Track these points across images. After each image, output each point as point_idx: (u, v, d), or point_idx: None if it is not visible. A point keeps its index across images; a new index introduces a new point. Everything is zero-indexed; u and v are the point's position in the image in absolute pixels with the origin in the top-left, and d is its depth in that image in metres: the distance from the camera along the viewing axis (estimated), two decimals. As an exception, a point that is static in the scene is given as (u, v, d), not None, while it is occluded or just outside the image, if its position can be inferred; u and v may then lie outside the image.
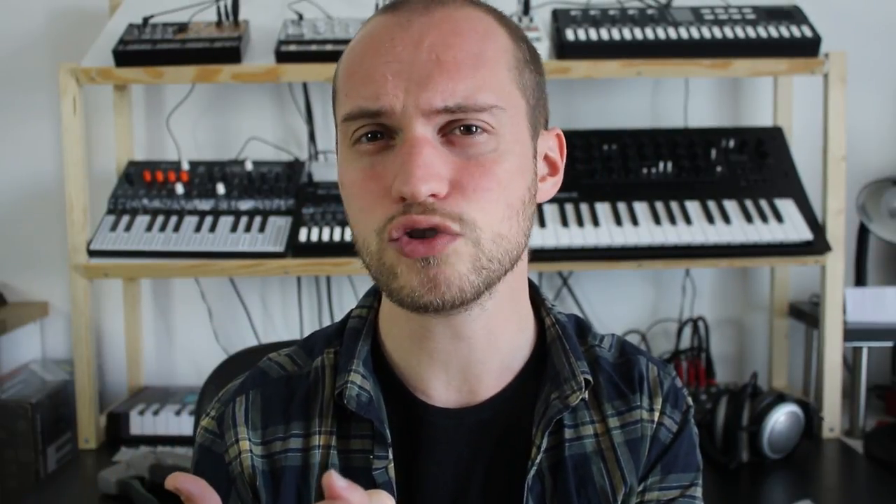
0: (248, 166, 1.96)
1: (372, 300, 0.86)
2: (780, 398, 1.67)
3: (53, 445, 1.87)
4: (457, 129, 0.72)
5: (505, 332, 0.80)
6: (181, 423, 1.84)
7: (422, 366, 0.80)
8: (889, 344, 1.86)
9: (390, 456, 0.78)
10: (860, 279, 2.04)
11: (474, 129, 0.72)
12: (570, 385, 0.79)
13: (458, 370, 0.80)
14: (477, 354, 0.79)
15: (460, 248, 0.71)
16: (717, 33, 1.82)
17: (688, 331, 2.06)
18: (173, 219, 1.86)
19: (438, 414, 0.80)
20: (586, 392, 0.80)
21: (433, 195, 0.70)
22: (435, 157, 0.70)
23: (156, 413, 1.86)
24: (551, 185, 0.82)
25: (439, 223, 0.70)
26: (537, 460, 0.78)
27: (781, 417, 1.65)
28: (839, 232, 1.81)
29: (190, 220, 1.86)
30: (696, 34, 1.82)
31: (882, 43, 2.10)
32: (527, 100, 0.76)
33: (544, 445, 0.78)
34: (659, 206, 1.84)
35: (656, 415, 0.83)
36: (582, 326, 0.88)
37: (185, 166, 1.95)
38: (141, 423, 1.85)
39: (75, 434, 1.87)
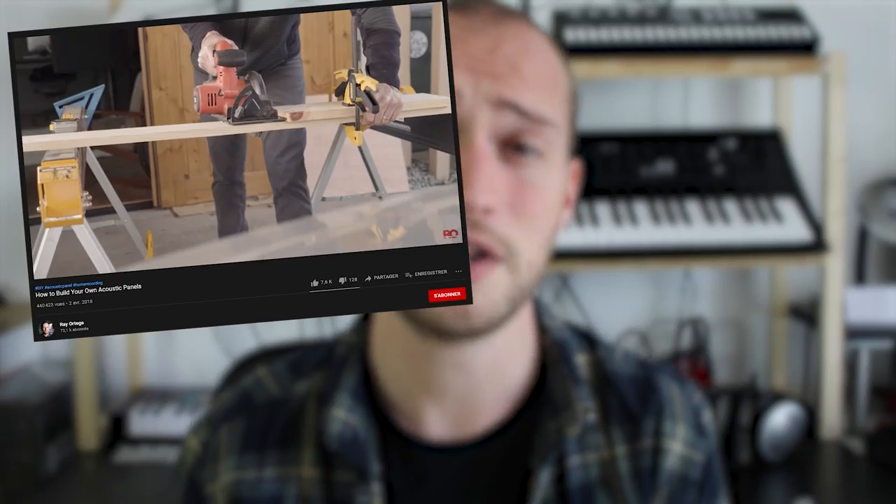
0: (248, 166, 1.95)
1: (363, 322, 0.82)
2: (780, 399, 1.67)
3: (53, 446, 1.87)
4: (510, 147, 0.68)
5: (510, 364, 0.77)
6: (181, 423, 1.84)
7: (417, 392, 0.76)
8: (889, 344, 1.86)
9: (375, 490, 0.74)
10: (860, 279, 2.04)
11: (527, 150, 0.68)
12: (569, 415, 0.76)
13: (455, 400, 0.76)
14: (479, 387, 0.76)
15: (500, 276, 0.67)
16: (717, 34, 1.82)
17: (687, 331, 2.06)
18: (173, 219, 1.86)
19: (433, 445, 0.77)
20: (592, 415, 0.77)
21: (486, 209, 0.65)
22: (494, 172, 0.66)
23: (156, 413, 1.86)
24: (564, 217, 0.77)
25: (486, 243, 0.66)
26: (538, 495, 0.75)
27: (781, 418, 1.65)
28: (839, 232, 1.81)
29: (190, 221, 1.86)
30: (695, 35, 1.82)
31: (882, 43, 2.10)
32: (569, 132, 0.74)
33: (545, 479, 0.75)
34: (659, 206, 1.84)
35: (679, 445, 0.78)
36: (591, 339, 0.84)
37: (185, 166, 1.95)
38: (141, 424, 1.85)
39: (75, 434, 1.87)
